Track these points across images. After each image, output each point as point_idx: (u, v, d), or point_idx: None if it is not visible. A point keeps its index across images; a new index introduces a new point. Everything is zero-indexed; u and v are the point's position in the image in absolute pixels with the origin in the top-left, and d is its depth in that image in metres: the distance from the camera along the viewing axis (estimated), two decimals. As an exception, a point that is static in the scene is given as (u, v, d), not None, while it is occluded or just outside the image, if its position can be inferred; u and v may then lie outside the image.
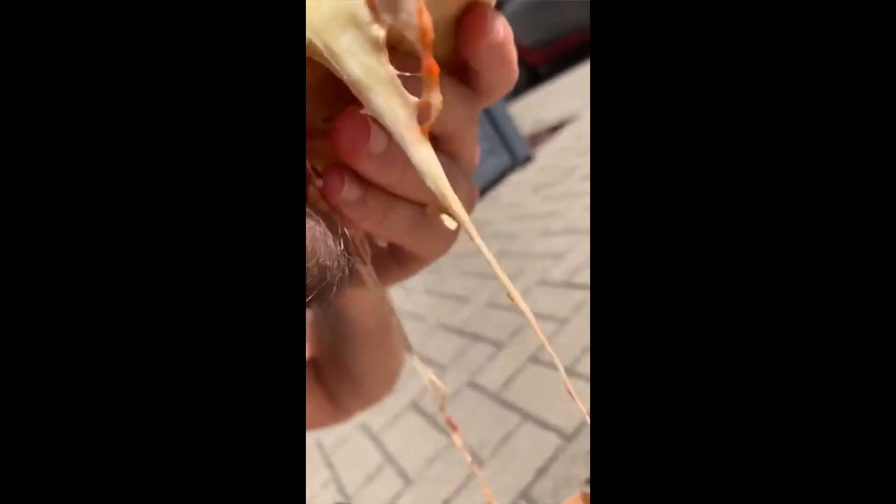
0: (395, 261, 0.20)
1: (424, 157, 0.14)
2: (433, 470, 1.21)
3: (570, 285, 1.51)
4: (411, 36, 0.13)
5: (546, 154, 2.90)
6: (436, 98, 0.13)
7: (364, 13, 0.13)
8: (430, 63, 0.13)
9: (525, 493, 1.01)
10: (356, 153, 0.14)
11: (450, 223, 0.18)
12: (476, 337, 1.59)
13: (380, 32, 0.13)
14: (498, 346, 1.48)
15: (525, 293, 1.63)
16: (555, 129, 3.25)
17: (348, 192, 0.15)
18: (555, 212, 2.06)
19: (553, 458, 1.03)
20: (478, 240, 0.14)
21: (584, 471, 0.96)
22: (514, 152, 2.94)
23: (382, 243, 0.19)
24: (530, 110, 4.11)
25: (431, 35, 0.13)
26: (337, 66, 0.13)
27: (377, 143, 0.14)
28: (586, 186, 2.09)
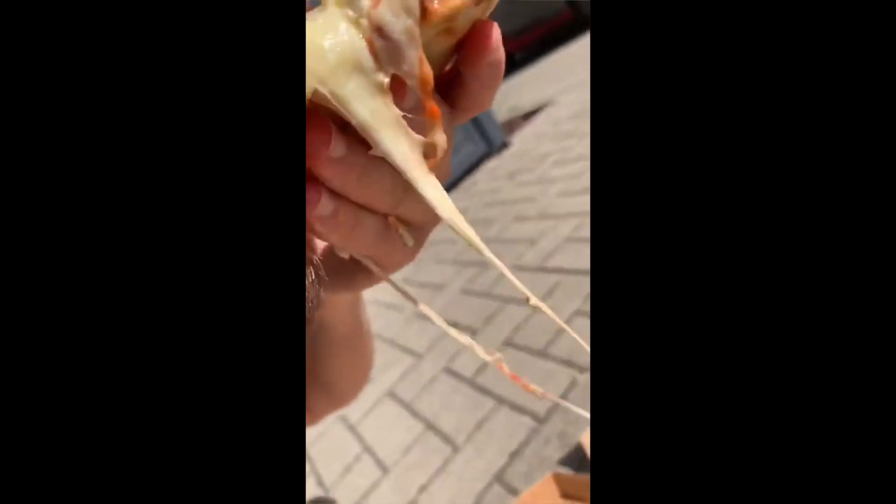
0: (360, 270, 0.21)
1: (432, 189, 0.15)
2: (410, 457, 1.21)
3: (543, 269, 1.52)
4: (412, 84, 0.14)
5: (521, 140, 2.89)
6: (440, 138, 0.15)
7: (368, 60, 0.14)
8: (432, 107, 0.14)
9: (499, 477, 1.01)
10: (317, 157, 0.15)
11: (408, 239, 0.18)
12: (452, 324, 1.58)
13: (384, 78, 0.14)
14: (473, 331, 1.48)
15: (500, 278, 1.63)
16: (530, 115, 3.25)
17: (323, 206, 0.16)
18: (529, 197, 2.06)
19: (526, 442, 1.04)
20: (487, 253, 0.16)
21: (556, 452, 0.97)
22: (490, 139, 2.93)
23: (346, 255, 0.19)
24: (506, 97, 4.10)
25: (431, 84, 0.14)
26: (344, 111, 0.14)
27: (337, 148, 0.15)
28: (559, 172, 2.10)
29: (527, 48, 5.23)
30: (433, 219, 0.18)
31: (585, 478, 0.84)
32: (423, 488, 1.11)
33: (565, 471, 0.91)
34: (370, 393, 1.52)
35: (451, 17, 0.14)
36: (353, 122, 0.14)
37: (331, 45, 0.14)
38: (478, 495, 1.01)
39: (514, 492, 0.96)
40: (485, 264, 1.75)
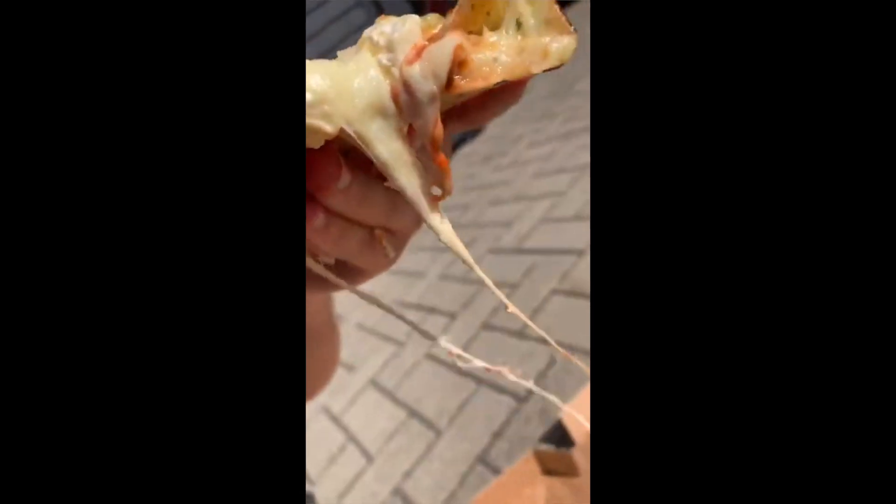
0: (340, 274, 0.22)
1: (437, 221, 0.17)
2: (394, 444, 1.21)
3: (520, 251, 1.52)
4: (423, 139, 0.16)
5: (495, 124, 2.89)
6: (448, 184, 0.17)
7: (391, 107, 0.15)
8: (441, 160, 0.16)
9: (482, 458, 1.02)
10: (326, 188, 0.17)
11: (390, 250, 0.20)
12: (432, 310, 1.58)
13: (403, 125, 0.16)
14: (452, 316, 1.48)
15: (478, 262, 1.62)
16: (503, 98, 3.24)
17: (318, 221, 0.17)
18: (504, 180, 2.06)
19: (507, 422, 1.04)
20: (479, 272, 0.18)
21: (537, 430, 0.98)
22: (464, 125, 2.92)
23: (330, 260, 0.21)
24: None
25: (441, 141, 0.16)
26: (367, 149, 0.16)
27: (344, 181, 0.17)
28: (532, 153, 2.10)
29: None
30: (411, 230, 0.20)
31: (566, 453, 0.84)
32: (407, 474, 1.11)
33: (546, 447, 0.92)
34: (353, 383, 1.51)
35: (471, 93, 0.16)
36: (374, 160, 0.16)
37: (359, 87, 0.15)
38: (461, 477, 1.01)
39: (496, 471, 0.96)
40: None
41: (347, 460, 1.27)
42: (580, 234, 1.38)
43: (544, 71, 0.16)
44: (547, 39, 0.15)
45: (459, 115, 0.18)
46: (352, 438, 1.33)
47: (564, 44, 0.15)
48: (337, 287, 0.23)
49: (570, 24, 0.15)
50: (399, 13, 0.17)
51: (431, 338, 0.22)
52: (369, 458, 1.23)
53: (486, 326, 1.34)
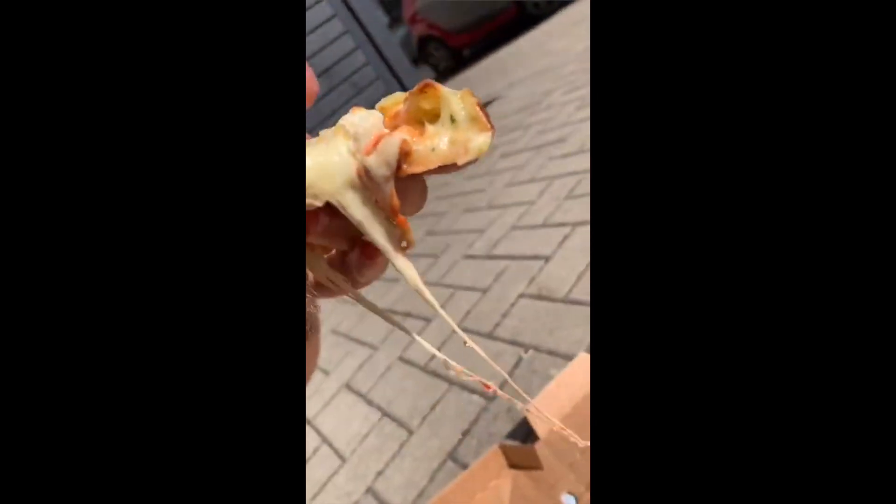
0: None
1: (403, 265, 0.21)
2: (367, 444, 1.24)
3: (491, 257, 1.57)
4: (385, 208, 0.20)
5: (471, 135, 2.94)
6: (410, 237, 0.21)
7: (358, 182, 0.20)
8: (401, 221, 0.20)
9: (452, 454, 1.05)
10: (308, 232, 0.21)
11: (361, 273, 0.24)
12: (407, 314, 1.62)
13: (371, 194, 0.20)
14: (426, 320, 1.51)
15: (452, 267, 1.67)
16: (479, 110, 3.29)
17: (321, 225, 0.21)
18: (478, 189, 2.11)
19: (476, 421, 1.08)
20: (437, 307, 0.23)
21: (504, 427, 1.02)
22: (441, 135, 2.96)
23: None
24: (456, 94, 4.13)
25: (398, 209, 0.20)
26: (346, 212, 0.20)
27: (322, 223, 0.21)
28: (505, 164, 2.16)
29: (474, 45, 5.30)
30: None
31: (530, 448, 0.88)
32: (379, 473, 1.14)
33: (512, 443, 0.96)
34: (328, 387, 1.53)
35: (417, 175, 0.20)
36: (351, 219, 0.20)
37: (336, 168, 0.19)
38: (432, 473, 1.04)
39: (465, 467, 1.00)
40: (437, 256, 1.79)
41: (321, 462, 1.29)
42: (548, 241, 1.44)
43: (467, 163, 0.19)
44: (470, 135, 0.19)
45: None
46: (325, 441, 1.35)
47: (480, 142, 0.19)
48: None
49: (489, 123, 0.19)
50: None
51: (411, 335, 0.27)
52: (342, 459, 1.25)
53: (459, 327, 1.37)
